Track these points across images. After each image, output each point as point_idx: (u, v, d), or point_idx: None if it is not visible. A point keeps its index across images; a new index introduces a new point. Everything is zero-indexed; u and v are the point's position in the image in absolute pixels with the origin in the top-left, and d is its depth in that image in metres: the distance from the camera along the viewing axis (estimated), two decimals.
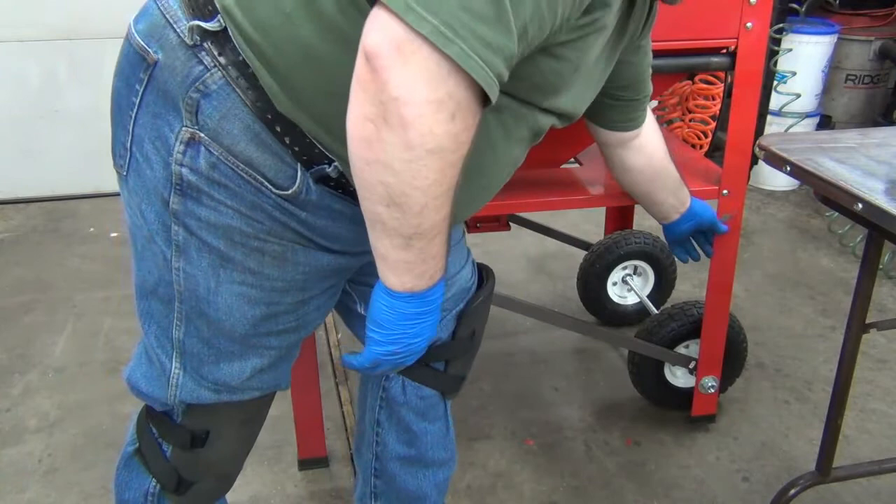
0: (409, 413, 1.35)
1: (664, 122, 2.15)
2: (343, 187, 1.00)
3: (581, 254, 2.48)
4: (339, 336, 2.41)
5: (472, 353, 1.33)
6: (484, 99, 0.82)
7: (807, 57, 3.35)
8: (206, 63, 0.93)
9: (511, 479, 1.88)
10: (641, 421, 2.07)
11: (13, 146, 3.38)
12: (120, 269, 2.81)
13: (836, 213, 2.71)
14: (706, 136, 2.17)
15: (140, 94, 0.98)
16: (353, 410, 2.09)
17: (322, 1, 0.89)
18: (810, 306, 2.63)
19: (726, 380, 2.03)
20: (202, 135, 0.95)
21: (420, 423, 1.36)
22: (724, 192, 1.73)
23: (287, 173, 0.97)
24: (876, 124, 3.71)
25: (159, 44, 0.96)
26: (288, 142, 0.95)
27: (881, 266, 2.57)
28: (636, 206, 1.85)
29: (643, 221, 2.50)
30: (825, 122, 3.67)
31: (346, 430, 2.03)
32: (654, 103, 2.13)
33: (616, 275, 2.41)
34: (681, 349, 1.98)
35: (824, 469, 1.63)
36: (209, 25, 0.93)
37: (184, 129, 0.95)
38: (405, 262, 0.90)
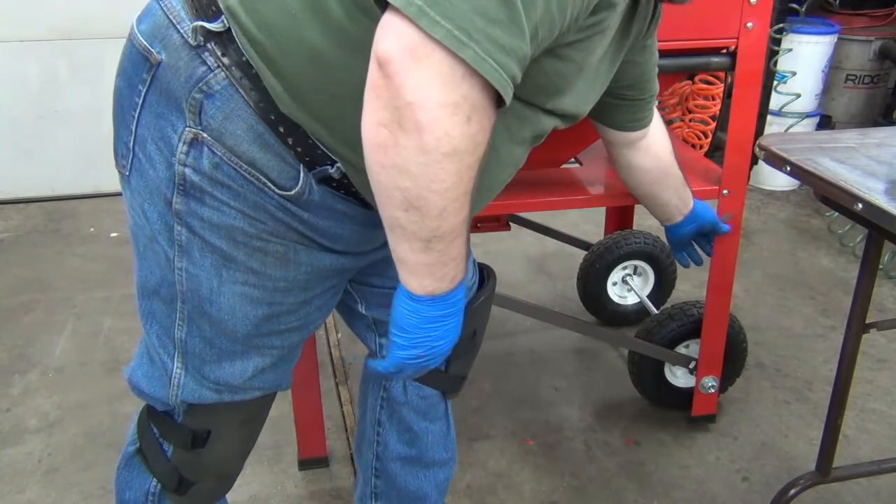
0: (410, 413, 1.35)
1: (664, 123, 2.15)
2: (345, 188, 1.00)
3: (581, 254, 2.48)
4: (339, 336, 2.41)
5: (474, 352, 1.33)
6: (498, 100, 0.82)
7: (807, 57, 3.35)
8: (209, 64, 0.93)
9: (511, 479, 1.88)
10: (641, 421, 2.07)
11: (13, 146, 3.38)
12: (120, 269, 2.81)
13: (836, 213, 2.72)
14: (706, 136, 2.17)
15: (143, 94, 0.98)
16: (353, 410, 2.09)
17: (328, 2, 0.89)
18: (810, 306, 2.63)
19: (726, 380, 2.03)
20: (205, 135, 0.95)
21: (421, 422, 1.36)
22: (724, 192, 1.73)
23: (290, 174, 0.97)
24: (876, 124, 3.71)
25: (162, 44, 0.96)
26: (291, 143, 0.95)
27: (881, 266, 2.58)
28: (636, 205, 1.85)
29: (643, 221, 2.51)
30: (825, 122, 3.67)
31: (347, 430, 2.03)
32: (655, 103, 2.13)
33: (616, 275, 2.41)
34: (681, 349, 1.98)
35: (824, 469, 1.64)
36: (213, 26, 0.93)
37: (187, 129, 0.95)
38: (425, 266, 0.89)
